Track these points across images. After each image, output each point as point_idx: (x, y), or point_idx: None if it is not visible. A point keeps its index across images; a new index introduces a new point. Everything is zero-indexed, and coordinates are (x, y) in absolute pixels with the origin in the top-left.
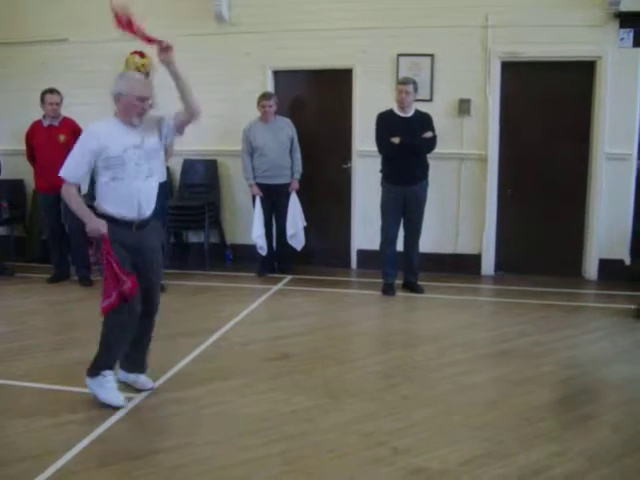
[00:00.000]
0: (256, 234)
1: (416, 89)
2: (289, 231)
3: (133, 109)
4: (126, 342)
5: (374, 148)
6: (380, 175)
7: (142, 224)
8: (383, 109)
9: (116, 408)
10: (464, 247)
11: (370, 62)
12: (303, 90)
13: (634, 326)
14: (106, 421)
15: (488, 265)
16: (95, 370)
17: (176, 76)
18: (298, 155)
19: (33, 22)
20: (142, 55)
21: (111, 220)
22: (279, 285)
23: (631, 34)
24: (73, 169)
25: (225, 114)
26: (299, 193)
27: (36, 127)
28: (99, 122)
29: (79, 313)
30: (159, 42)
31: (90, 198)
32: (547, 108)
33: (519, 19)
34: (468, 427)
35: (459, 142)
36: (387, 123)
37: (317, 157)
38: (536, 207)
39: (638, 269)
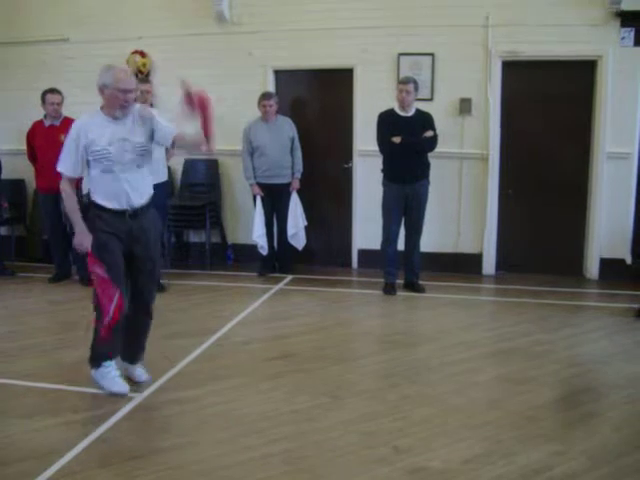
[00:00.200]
0: (257, 234)
1: (417, 88)
2: (290, 231)
3: (116, 101)
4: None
5: (375, 147)
6: (381, 174)
7: (135, 213)
8: (384, 108)
9: (123, 398)
10: (465, 246)
11: (371, 61)
12: (304, 90)
13: (635, 325)
14: (107, 421)
15: (489, 264)
16: (95, 362)
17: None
18: (299, 154)
19: (34, 22)
20: (143, 55)
21: (103, 210)
22: (280, 285)
23: (632, 33)
24: (68, 163)
25: (226, 114)
26: (300, 192)
27: (37, 127)
28: (84, 116)
29: (80, 312)
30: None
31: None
32: (548, 107)
33: (520, 18)
34: (469, 426)
35: (460, 141)
36: (388, 122)
37: (318, 156)
38: (537, 206)
39: (639, 268)
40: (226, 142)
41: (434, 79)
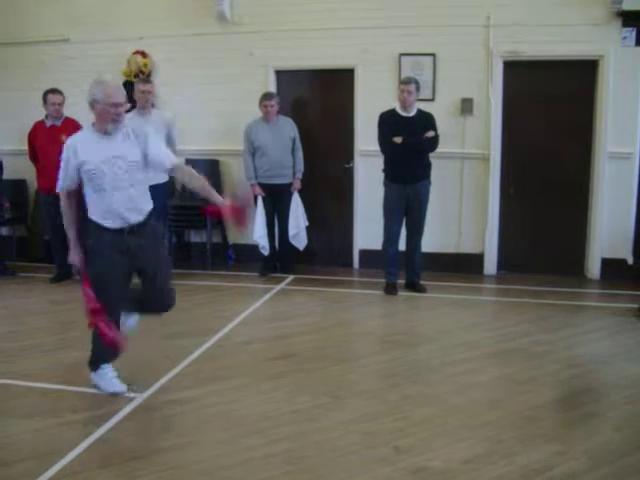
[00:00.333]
0: (258, 234)
1: (418, 89)
2: (291, 231)
3: (107, 115)
4: None
5: (376, 148)
6: (382, 174)
7: (132, 229)
8: (385, 109)
9: (122, 398)
10: (466, 246)
11: (372, 62)
12: (305, 90)
13: (636, 325)
14: (108, 421)
15: (490, 264)
16: (94, 365)
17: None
18: (300, 155)
19: (34, 22)
20: (144, 55)
21: (101, 228)
22: (281, 285)
23: (634, 33)
24: (61, 181)
25: (227, 114)
26: (301, 193)
27: (38, 127)
28: (76, 135)
29: (81, 313)
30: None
31: None
32: (549, 107)
33: (521, 18)
34: (470, 426)
35: (461, 141)
36: (389, 123)
37: (319, 157)
38: (538, 206)
39: None
40: (227, 142)
41: (435, 79)
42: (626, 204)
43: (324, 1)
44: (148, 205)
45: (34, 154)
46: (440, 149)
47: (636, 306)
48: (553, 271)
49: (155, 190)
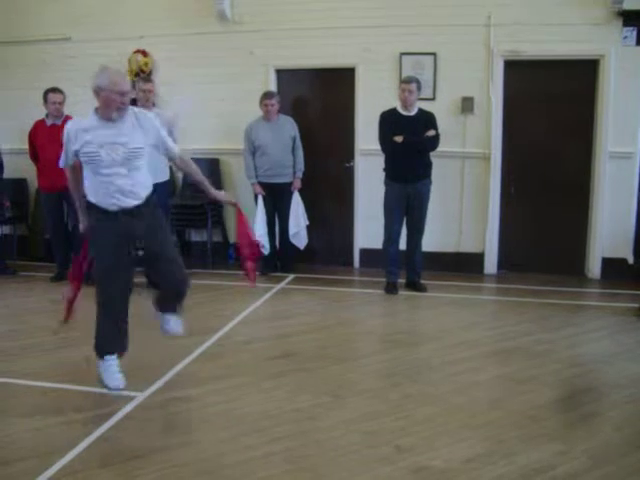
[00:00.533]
0: (258, 233)
1: (419, 88)
2: (292, 230)
3: (112, 103)
4: (115, 325)
5: (377, 147)
6: (383, 173)
7: (130, 212)
8: (386, 108)
9: (119, 393)
10: (467, 246)
11: (373, 61)
12: (306, 89)
13: (637, 325)
14: (108, 420)
15: (491, 264)
16: (98, 350)
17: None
18: (300, 154)
19: (35, 21)
20: (145, 54)
21: (98, 210)
22: (282, 284)
23: (634, 32)
24: (65, 160)
25: (227, 113)
26: (302, 192)
27: (39, 126)
28: (77, 119)
29: (82, 311)
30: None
31: None
32: (550, 107)
33: (522, 18)
34: (471, 426)
35: (462, 141)
36: (390, 122)
37: (320, 156)
38: (539, 206)
39: None
40: (228, 141)
41: (436, 78)
42: (627, 203)
43: (325, 0)
44: (145, 190)
45: (34, 153)
46: (441, 148)
47: (637, 305)
48: (554, 270)
49: (156, 189)
